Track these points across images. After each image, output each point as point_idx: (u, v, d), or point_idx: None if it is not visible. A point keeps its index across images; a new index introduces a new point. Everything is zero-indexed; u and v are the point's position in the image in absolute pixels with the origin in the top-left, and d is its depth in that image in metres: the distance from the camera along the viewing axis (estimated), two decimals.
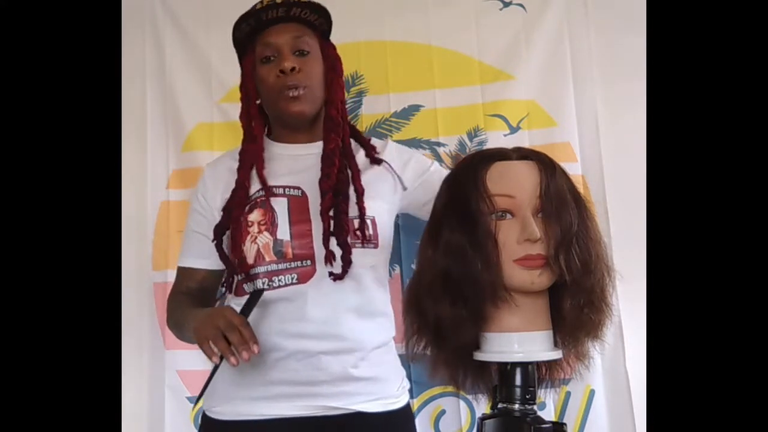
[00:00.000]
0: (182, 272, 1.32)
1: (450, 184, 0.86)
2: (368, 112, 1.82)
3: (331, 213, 1.19)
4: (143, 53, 1.88)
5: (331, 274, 1.18)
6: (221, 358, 1.05)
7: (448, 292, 0.80)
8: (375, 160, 1.31)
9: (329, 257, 1.18)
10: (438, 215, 0.85)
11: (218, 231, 1.24)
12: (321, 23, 1.29)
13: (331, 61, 1.30)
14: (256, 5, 1.25)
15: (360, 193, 1.23)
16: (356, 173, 1.26)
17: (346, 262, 1.19)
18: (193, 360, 1.74)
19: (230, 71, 1.83)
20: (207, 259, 1.28)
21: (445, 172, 1.36)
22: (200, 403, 1.22)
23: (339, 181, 1.22)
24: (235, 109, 1.82)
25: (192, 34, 1.87)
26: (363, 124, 1.81)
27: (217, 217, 1.25)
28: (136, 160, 1.83)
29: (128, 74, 1.75)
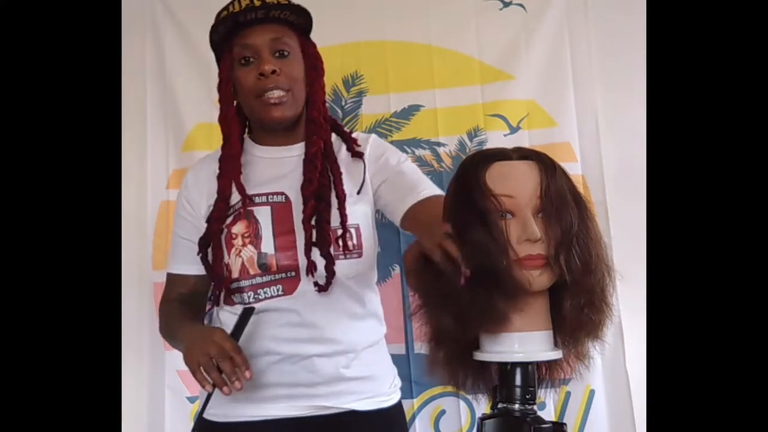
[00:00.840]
0: (173, 279, 1.31)
1: (457, 184, 0.86)
2: (368, 112, 1.82)
3: (313, 222, 1.18)
4: (143, 53, 1.88)
5: (315, 284, 1.18)
6: (214, 386, 1.05)
7: (483, 286, 0.79)
8: (356, 153, 1.26)
9: (311, 268, 1.17)
10: (455, 212, 0.84)
11: (202, 244, 1.22)
12: (301, 23, 1.24)
13: (312, 60, 1.26)
14: (229, 6, 1.22)
15: (342, 199, 1.20)
16: (338, 177, 1.22)
17: (330, 273, 1.18)
18: None
19: None
20: (197, 265, 1.26)
21: (412, 167, 1.29)
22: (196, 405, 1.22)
23: (321, 186, 1.20)
24: None
25: (192, 35, 1.87)
26: (363, 124, 1.81)
27: (203, 224, 1.24)
28: (136, 160, 1.84)
29: (128, 74, 1.75)
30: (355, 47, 1.79)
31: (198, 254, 1.23)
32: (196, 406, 1.73)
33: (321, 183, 1.20)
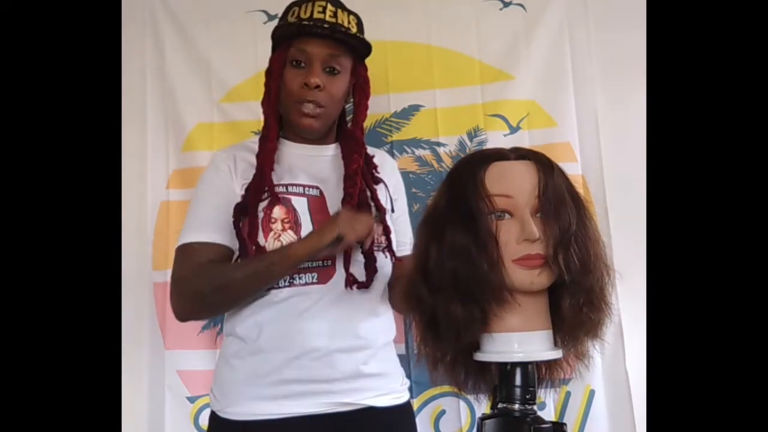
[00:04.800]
0: (200, 247, 1.22)
1: (449, 184, 0.86)
2: (368, 112, 1.82)
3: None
4: (143, 53, 1.88)
5: (354, 281, 1.21)
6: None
7: (458, 293, 0.80)
8: (375, 179, 1.33)
9: (350, 281, 1.21)
10: (439, 214, 0.85)
11: (239, 211, 1.23)
12: (359, 49, 1.30)
13: (362, 82, 1.33)
14: (303, 7, 1.25)
15: (383, 212, 1.28)
16: (374, 192, 1.29)
17: (371, 272, 1.23)
18: (193, 360, 1.74)
19: (230, 71, 1.85)
20: (228, 236, 1.23)
21: (407, 219, 1.42)
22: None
23: (361, 197, 1.25)
24: (235, 109, 1.84)
25: (192, 34, 1.87)
26: None
27: (237, 198, 1.24)
28: (136, 160, 1.83)
29: (128, 74, 1.75)
30: None
31: (232, 218, 1.22)
32: (197, 406, 1.74)
33: (361, 196, 1.26)
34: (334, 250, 1.18)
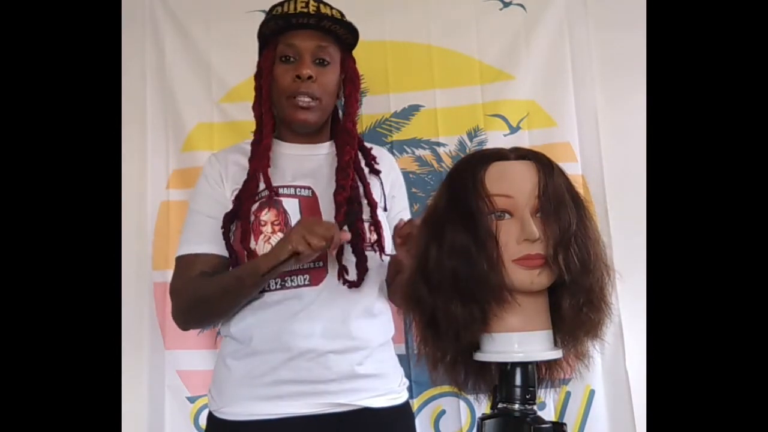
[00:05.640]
0: (194, 259, 1.25)
1: (449, 184, 0.86)
2: (368, 112, 1.82)
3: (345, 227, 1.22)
4: (143, 53, 1.88)
5: (345, 281, 1.21)
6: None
7: (458, 292, 0.80)
8: (374, 170, 1.33)
9: (341, 273, 1.20)
10: (439, 214, 0.85)
11: (228, 219, 1.23)
12: (347, 38, 1.30)
13: (351, 74, 1.32)
14: (285, 4, 1.26)
15: (374, 206, 1.27)
16: (367, 185, 1.29)
17: (362, 271, 1.22)
18: (193, 360, 1.74)
19: (230, 71, 1.85)
20: (221, 246, 1.25)
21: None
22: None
23: (353, 190, 1.25)
24: (235, 109, 1.85)
25: (192, 34, 1.87)
26: (363, 124, 1.81)
27: (229, 205, 1.25)
28: (136, 160, 1.84)
29: (128, 74, 1.75)
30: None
31: (222, 228, 1.23)
32: (197, 406, 1.74)
33: (353, 188, 1.25)
34: (302, 263, 1.16)
